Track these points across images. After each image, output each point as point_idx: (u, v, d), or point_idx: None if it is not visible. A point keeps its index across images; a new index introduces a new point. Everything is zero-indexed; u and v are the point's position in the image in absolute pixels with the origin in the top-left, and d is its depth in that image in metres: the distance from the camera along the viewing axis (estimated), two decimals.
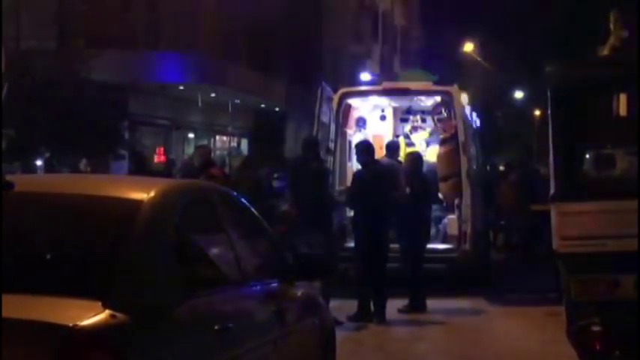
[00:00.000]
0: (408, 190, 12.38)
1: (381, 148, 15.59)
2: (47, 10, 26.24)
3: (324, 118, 14.64)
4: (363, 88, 15.90)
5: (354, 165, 16.21)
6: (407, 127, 16.75)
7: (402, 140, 16.15)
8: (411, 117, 16.61)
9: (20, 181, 4.74)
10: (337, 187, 14.99)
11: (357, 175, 12.55)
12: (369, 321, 11.58)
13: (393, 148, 14.30)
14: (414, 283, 12.40)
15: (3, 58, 14.79)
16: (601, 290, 7.51)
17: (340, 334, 7.16)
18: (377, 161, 12.60)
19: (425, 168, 13.53)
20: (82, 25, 26.99)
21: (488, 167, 20.34)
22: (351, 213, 15.78)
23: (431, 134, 16.43)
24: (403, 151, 15.32)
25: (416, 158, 13.34)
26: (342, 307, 11.73)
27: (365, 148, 12.41)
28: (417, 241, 12.45)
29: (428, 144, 16.46)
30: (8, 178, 4.60)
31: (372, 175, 11.97)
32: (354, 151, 16.26)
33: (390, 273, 12.00)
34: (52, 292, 3.96)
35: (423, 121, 16.52)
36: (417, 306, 12.30)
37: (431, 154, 15.80)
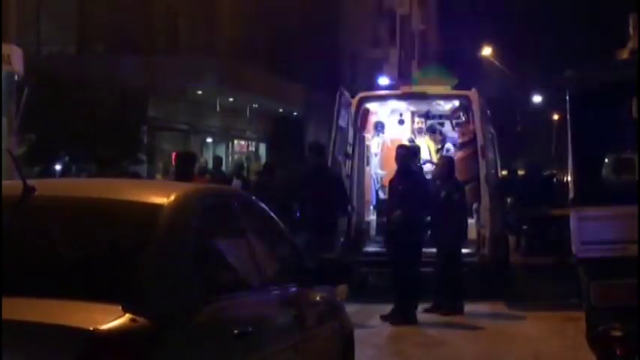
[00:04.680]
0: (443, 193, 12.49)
1: None
2: (67, 16, 26.41)
3: (343, 123, 14.65)
4: (382, 92, 15.88)
5: (373, 169, 16.22)
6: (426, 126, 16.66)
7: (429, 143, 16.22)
8: (417, 119, 16.57)
9: (41, 185, 4.76)
10: (355, 191, 14.97)
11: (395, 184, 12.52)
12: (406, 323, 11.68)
13: (412, 153, 14.27)
14: (447, 286, 12.49)
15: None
16: (621, 295, 7.47)
17: (359, 339, 7.15)
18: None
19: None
20: (102, 30, 27.15)
21: (505, 172, 20.34)
22: (372, 217, 15.84)
23: (437, 141, 16.37)
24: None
25: (449, 161, 13.42)
26: (361, 312, 11.73)
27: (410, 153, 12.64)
28: (447, 244, 12.56)
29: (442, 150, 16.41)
30: (29, 182, 4.63)
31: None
32: (372, 155, 16.32)
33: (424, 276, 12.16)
34: (73, 296, 3.98)
35: (440, 125, 16.46)
36: (453, 308, 12.35)
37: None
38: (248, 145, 36.55)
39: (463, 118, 15.32)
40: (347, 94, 14.97)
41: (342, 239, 13.65)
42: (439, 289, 12.57)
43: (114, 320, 3.81)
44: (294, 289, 5.63)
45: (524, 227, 20.52)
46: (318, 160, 12.46)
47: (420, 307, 12.15)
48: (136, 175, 17.09)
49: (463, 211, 12.96)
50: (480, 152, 14.03)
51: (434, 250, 12.64)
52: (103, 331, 3.75)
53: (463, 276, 12.85)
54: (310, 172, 12.52)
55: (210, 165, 22.51)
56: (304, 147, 35.85)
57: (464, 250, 13.86)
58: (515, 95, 50.00)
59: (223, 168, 22.12)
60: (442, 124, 16.47)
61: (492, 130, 16.25)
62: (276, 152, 33.79)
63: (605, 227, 7.61)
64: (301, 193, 12.16)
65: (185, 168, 11.93)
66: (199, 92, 28.86)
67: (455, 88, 15.89)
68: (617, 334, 7.42)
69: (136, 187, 5.52)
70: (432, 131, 16.29)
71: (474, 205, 14.31)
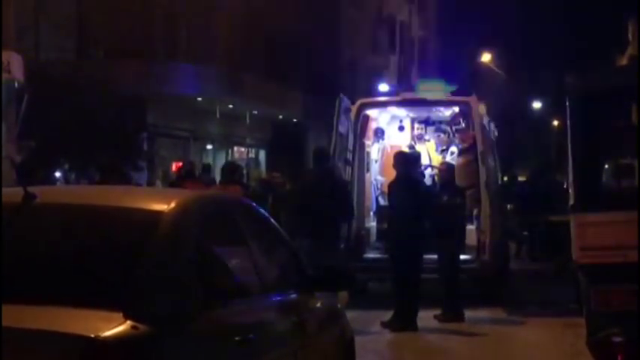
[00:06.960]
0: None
1: None
2: (67, 22, 26.40)
3: (342, 129, 14.65)
4: (381, 99, 15.86)
5: (373, 175, 16.22)
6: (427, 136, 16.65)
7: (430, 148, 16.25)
8: (416, 125, 16.57)
9: (41, 192, 4.76)
10: (355, 198, 14.96)
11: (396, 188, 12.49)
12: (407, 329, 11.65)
13: (412, 159, 14.26)
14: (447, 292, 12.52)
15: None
16: (621, 301, 7.48)
17: (359, 346, 7.14)
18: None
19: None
20: (102, 37, 27.15)
21: (505, 178, 20.39)
22: (372, 223, 15.84)
23: (440, 145, 16.36)
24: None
25: (450, 167, 13.46)
26: (361, 318, 11.71)
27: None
28: (449, 250, 12.59)
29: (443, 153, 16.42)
30: (30, 189, 4.63)
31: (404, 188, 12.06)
32: (372, 161, 16.31)
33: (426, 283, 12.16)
34: (74, 303, 3.97)
35: (442, 131, 16.45)
36: (453, 316, 12.34)
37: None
38: (248, 152, 36.59)
39: (463, 125, 15.32)
40: (346, 100, 14.97)
41: (341, 245, 13.64)
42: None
43: (115, 327, 3.80)
44: (294, 295, 5.63)
45: (525, 233, 20.54)
46: (325, 166, 12.41)
47: (427, 313, 12.14)
48: (126, 176, 16.88)
49: (463, 216, 13.00)
50: (479, 158, 14.04)
51: (435, 256, 12.63)
52: (105, 338, 3.74)
53: (461, 282, 12.84)
54: (318, 178, 12.47)
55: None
56: (303, 153, 35.95)
57: (464, 257, 13.88)
58: (515, 101, 50.07)
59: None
60: (442, 131, 16.47)
61: (492, 136, 16.25)
62: (275, 159, 33.82)
63: (606, 233, 7.61)
64: (306, 199, 12.09)
65: (230, 178, 11.96)
66: (199, 99, 28.91)
67: (454, 94, 15.89)
68: (618, 339, 7.42)
69: (136, 194, 5.52)
70: (441, 131, 16.29)
71: (474, 211, 14.31)
